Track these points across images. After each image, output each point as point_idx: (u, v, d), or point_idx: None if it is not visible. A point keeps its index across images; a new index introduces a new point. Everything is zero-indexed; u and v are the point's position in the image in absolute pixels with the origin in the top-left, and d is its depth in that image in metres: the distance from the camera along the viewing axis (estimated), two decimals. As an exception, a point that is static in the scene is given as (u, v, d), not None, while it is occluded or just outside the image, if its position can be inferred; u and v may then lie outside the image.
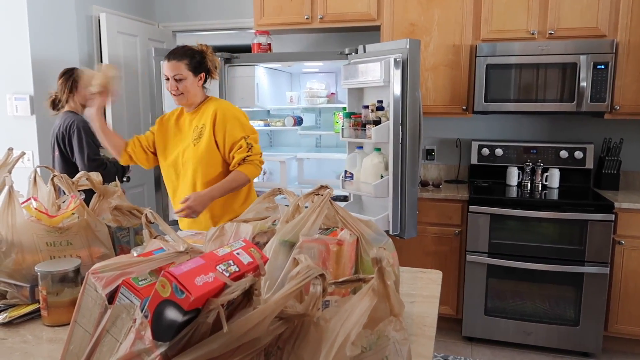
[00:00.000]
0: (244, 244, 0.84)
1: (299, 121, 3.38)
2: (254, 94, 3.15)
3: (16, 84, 3.12)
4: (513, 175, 3.24)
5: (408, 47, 2.52)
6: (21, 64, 3.09)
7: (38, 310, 1.23)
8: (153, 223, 1.20)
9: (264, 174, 3.54)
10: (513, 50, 2.96)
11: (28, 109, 3.11)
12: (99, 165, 2.71)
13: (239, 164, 2.13)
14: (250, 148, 2.13)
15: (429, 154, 3.58)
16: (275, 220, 1.36)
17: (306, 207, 1.12)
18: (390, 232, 2.65)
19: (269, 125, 3.41)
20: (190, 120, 2.22)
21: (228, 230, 1.37)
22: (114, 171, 2.79)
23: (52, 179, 1.50)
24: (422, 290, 1.39)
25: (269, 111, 3.62)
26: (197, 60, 2.14)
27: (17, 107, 3.13)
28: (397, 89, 2.53)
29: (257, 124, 3.42)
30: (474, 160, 3.42)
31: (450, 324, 3.15)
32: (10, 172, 1.76)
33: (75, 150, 2.72)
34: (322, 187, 1.15)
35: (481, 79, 3.04)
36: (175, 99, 2.16)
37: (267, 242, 1.32)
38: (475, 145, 3.41)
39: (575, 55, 2.87)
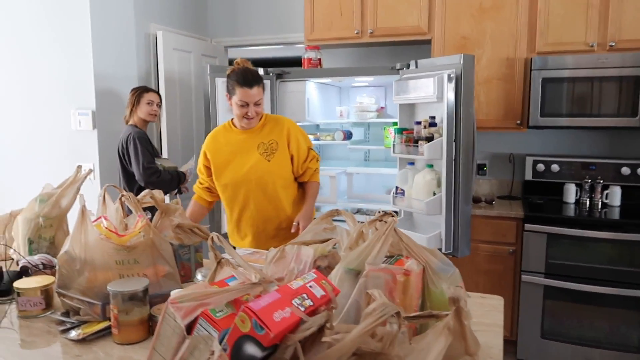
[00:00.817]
0: (315, 276, 0.85)
1: (348, 135, 3.39)
2: (305, 109, 3.18)
3: (80, 99, 3.27)
4: (570, 192, 3.13)
5: (462, 62, 2.48)
6: (84, 80, 3.24)
7: (109, 327, 1.27)
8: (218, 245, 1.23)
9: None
10: (570, 63, 2.87)
11: (90, 124, 3.26)
12: (153, 172, 2.83)
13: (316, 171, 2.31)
14: (315, 160, 2.30)
15: (480, 168, 3.51)
16: (335, 244, 1.36)
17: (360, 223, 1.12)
18: (443, 251, 2.61)
19: (318, 140, 3.43)
20: (249, 137, 2.22)
21: (289, 253, 1.38)
22: (168, 179, 2.91)
23: (120, 198, 1.56)
24: (483, 317, 1.35)
25: (318, 125, 3.65)
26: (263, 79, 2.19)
27: (81, 122, 3.28)
28: (450, 105, 2.50)
29: (306, 138, 3.46)
30: (529, 176, 3.32)
31: (504, 346, 3.05)
32: (79, 189, 1.85)
33: (132, 159, 2.86)
34: (385, 213, 1.15)
35: (536, 93, 2.96)
36: (248, 123, 2.16)
37: (327, 266, 1.33)
38: (529, 161, 3.31)
39: (636, 68, 2.75)
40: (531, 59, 2.97)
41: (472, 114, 2.54)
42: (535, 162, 3.30)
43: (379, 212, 1.22)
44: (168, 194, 3.22)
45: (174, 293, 1.21)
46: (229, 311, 0.80)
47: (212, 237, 1.21)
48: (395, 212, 3.04)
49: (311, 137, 3.42)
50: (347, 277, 1.05)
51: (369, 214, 3.32)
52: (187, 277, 1.70)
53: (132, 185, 2.93)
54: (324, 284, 0.81)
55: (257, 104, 2.13)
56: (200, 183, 2.38)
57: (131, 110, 2.98)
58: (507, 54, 3.07)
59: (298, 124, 3.39)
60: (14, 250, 1.81)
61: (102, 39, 3.26)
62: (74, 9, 3.19)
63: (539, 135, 3.38)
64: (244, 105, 2.11)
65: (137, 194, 2.84)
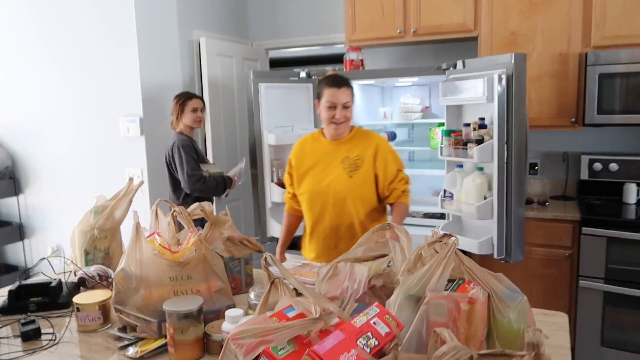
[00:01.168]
0: (378, 310, 0.82)
1: (392, 136, 3.33)
2: (348, 111, 3.14)
3: (127, 106, 3.35)
4: (631, 193, 2.96)
5: (513, 61, 2.38)
6: (132, 88, 3.31)
7: (165, 345, 1.29)
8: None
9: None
10: (630, 57, 2.70)
11: (138, 130, 3.33)
12: (198, 180, 2.87)
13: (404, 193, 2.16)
14: (404, 181, 2.17)
15: (531, 167, 3.37)
16: (390, 262, 1.33)
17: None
18: (495, 256, 2.52)
19: (362, 141, 3.38)
20: (336, 149, 2.15)
21: (342, 271, 1.36)
22: (213, 185, 2.93)
23: (173, 214, 1.58)
24: (549, 339, 1.28)
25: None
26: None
27: (129, 129, 3.36)
28: (501, 106, 2.40)
29: (350, 140, 3.42)
30: (584, 175, 3.17)
31: (558, 352, 2.93)
32: (131, 201, 1.89)
33: (177, 167, 2.90)
34: (445, 235, 1.10)
35: (593, 89, 2.81)
36: (336, 128, 2.09)
37: (383, 285, 1.30)
38: (585, 160, 3.16)
39: None
40: (586, 54, 2.82)
41: (524, 115, 2.43)
42: (591, 161, 3.14)
43: (437, 231, 1.17)
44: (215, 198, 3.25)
45: (230, 312, 1.21)
46: (290, 349, 0.78)
47: (266, 258, 1.20)
48: (443, 214, 2.98)
49: (355, 139, 3.39)
50: (407, 304, 1.01)
51: (414, 216, 3.26)
52: (237, 290, 1.70)
53: (179, 192, 2.97)
54: (387, 319, 0.78)
55: (345, 107, 2.05)
56: (288, 192, 2.33)
57: (177, 117, 3.02)
58: (560, 49, 2.93)
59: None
60: (72, 261, 1.86)
61: (148, 47, 3.31)
62: (120, 20, 3.26)
63: (594, 132, 3.22)
64: (332, 106, 2.04)
65: (184, 201, 2.89)
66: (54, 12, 3.52)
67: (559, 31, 2.92)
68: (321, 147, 2.18)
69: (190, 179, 2.86)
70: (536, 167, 3.37)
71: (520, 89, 2.40)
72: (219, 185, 2.97)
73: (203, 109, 3.08)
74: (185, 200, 2.93)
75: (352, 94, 2.10)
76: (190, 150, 2.92)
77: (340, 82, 2.06)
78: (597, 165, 3.12)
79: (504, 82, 2.39)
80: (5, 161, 3.84)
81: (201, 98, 3.10)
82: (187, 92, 3.12)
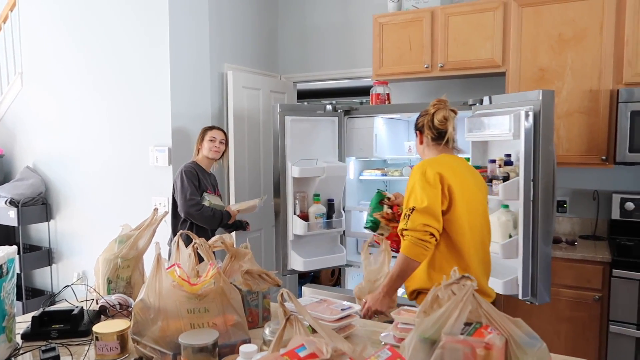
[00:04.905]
0: (390, 354, 0.80)
1: (417, 171, 3.30)
2: (373, 145, 3.15)
3: (157, 136, 3.45)
4: (665, 235, 2.85)
5: (541, 98, 2.36)
6: (162, 118, 3.41)
7: (179, 378, 1.28)
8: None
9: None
10: (662, 94, 2.66)
11: (166, 160, 3.41)
12: (194, 205, 2.88)
13: (401, 234, 1.90)
14: (407, 220, 1.84)
15: (560, 205, 3.29)
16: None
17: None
18: (520, 297, 2.45)
19: (385, 175, 3.38)
20: None
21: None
22: (209, 215, 2.91)
23: (194, 246, 1.60)
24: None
25: (385, 160, 3.60)
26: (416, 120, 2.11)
27: (158, 158, 3.44)
28: (528, 143, 2.37)
29: (373, 173, 3.41)
30: (615, 214, 3.07)
31: (589, 401, 2.80)
32: (155, 231, 1.92)
33: (177, 190, 2.94)
34: (463, 277, 1.08)
35: (624, 127, 2.75)
36: None
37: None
38: (616, 198, 3.07)
39: None
40: (617, 90, 2.78)
41: (552, 152, 2.40)
42: (623, 200, 3.05)
43: (455, 272, 1.15)
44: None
45: (244, 348, 1.20)
46: (300, 390, 0.77)
47: (282, 294, 1.20)
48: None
49: (378, 172, 3.40)
50: (421, 347, 0.99)
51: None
52: (254, 324, 1.69)
53: (177, 217, 3.00)
54: (399, 364, 0.76)
55: None
56: None
57: (197, 147, 3.09)
58: (590, 85, 2.89)
59: (365, 159, 3.40)
60: (94, 289, 1.89)
61: (179, 81, 3.42)
62: (155, 51, 3.39)
63: (626, 170, 3.13)
64: None
65: (181, 227, 2.91)
66: (92, 41, 3.69)
67: (589, 68, 2.89)
68: None
69: (187, 202, 2.88)
70: (565, 205, 3.29)
71: (548, 126, 2.37)
72: (214, 217, 2.94)
73: (223, 140, 3.08)
74: (182, 226, 2.95)
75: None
76: (193, 176, 2.94)
77: None
78: (630, 205, 3.02)
79: (531, 118, 2.37)
80: (39, 187, 3.98)
81: (222, 130, 3.13)
82: (213, 125, 3.19)
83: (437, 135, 2.03)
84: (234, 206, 3.12)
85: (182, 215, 2.94)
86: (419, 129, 2.09)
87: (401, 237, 1.89)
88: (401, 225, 1.89)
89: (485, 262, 2.04)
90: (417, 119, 2.11)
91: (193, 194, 2.90)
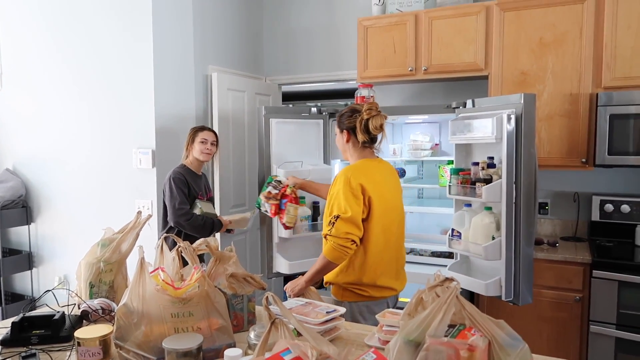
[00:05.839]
0: (375, 357, 0.80)
1: (401, 173, 3.33)
2: (358, 147, 3.16)
3: (141, 138, 3.41)
4: (644, 236, 2.91)
5: (522, 102, 2.39)
6: (146, 120, 3.38)
7: (163, 383, 1.27)
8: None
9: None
10: (639, 98, 2.71)
11: (150, 162, 3.37)
12: (183, 214, 2.81)
13: (324, 237, 2.06)
14: (331, 227, 2.01)
15: (541, 207, 3.34)
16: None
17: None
18: (503, 298, 2.48)
19: (371, 177, 3.39)
20: None
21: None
22: (199, 224, 2.84)
23: (178, 249, 1.58)
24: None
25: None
26: (342, 118, 2.18)
27: (141, 160, 3.41)
28: (510, 146, 2.40)
29: (359, 176, 3.42)
30: (595, 216, 3.13)
31: (570, 400, 2.84)
32: (138, 234, 1.90)
33: (167, 198, 2.87)
34: (447, 279, 1.09)
35: (603, 130, 2.81)
36: None
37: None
38: (596, 200, 3.13)
39: None
40: (597, 94, 2.83)
41: (533, 155, 2.43)
42: (602, 202, 3.11)
43: (439, 274, 1.16)
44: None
45: (229, 352, 1.20)
46: (284, 394, 0.77)
47: (267, 297, 1.20)
48: (452, 253, 2.95)
49: (364, 174, 3.40)
50: (406, 349, 1.00)
51: (422, 254, 3.23)
52: (239, 327, 1.68)
53: (167, 223, 2.93)
54: (384, 367, 0.77)
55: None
56: None
57: (187, 149, 3.00)
58: (571, 89, 2.94)
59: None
60: (76, 294, 1.86)
61: (163, 81, 3.39)
62: (138, 53, 3.35)
63: (606, 173, 3.19)
64: None
65: (170, 232, 2.84)
66: (73, 41, 3.64)
67: (569, 71, 2.94)
68: None
69: (176, 212, 2.81)
70: (546, 207, 3.34)
71: (530, 128, 2.41)
72: (205, 226, 2.87)
73: (214, 142, 3.02)
74: (171, 232, 2.86)
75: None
76: (182, 183, 2.86)
77: None
78: (609, 207, 3.08)
79: (513, 121, 2.40)
80: (19, 190, 3.91)
81: (214, 131, 3.08)
82: (202, 125, 3.13)
83: (370, 140, 2.15)
84: (227, 217, 3.07)
85: (172, 224, 2.86)
86: (347, 128, 2.16)
87: (324, 239, 2.06)
88: (325, 230, 2.05)
89: (398, 257, 2.24)
90: (343, 117, 2.18)
91: (182, 203, 2.83)
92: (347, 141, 2.18)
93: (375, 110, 2.13)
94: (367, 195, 2.05)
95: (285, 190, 2.72)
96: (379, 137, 2.18)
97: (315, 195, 2.78)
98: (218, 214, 3.17)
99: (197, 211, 2.87)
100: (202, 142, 2.96)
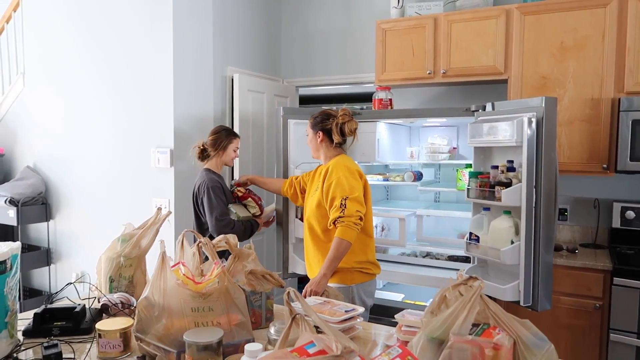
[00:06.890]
0: (400, 351, 0.80)
1: (418, 177, 3.32)
2: (375, 150, 3.15)
3: (159, 138, 3.44)
4: (666, 244, 2.86)
5: (543, 105, 2.37)
6: (165, 120, 3.41)
7: (182, 376, 1.28)
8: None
9: (382, 230, 3.50)
10: (663, 103, 2.67)
11: (168, 161, 3.40)
12: (226, 225, 2.71)
13: (334, 224, 2.26)
14: (343, 209, 2.22)
15: (561, 213, 3.30)
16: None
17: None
18: (521, 303, 2.45)
19: (387, 180, 3.38)
20: (320, 173, 2.49)
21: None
22: (241, 230, 2.77)
23: (198, 245, 1.59)
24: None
25: (387, 165, 3.61)
26: (317, 120, 2.49)
27: (159, 160, 3.44)
28: (530, 150, 2.38)
29: (375, 178, 3.41)
30: (616, 223, 3.08)
31: (588, 409, 2.79)
32: (158, 230, 1.92)
33: (206, 210, 2.75)
34: (471, 277, 1.08)
35: (625, 135, 2.77)
36: None
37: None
38: (617, 207, 3.08)
39: None
40: (619, 99, 2.79)
41: (554, 159, 2.40)
42: (623, 209, 3.06)
43: (462, 274, 1.15)
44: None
45: (249, 347, 1.20)
46: (310, 386, 0.77)
47: (288, 292, 1.20)
48: (468, 257, 2.93)
49: (380, 177, 3.40)
50: (429, 347, 0.99)
51: (439, 258, 3.21)
52: (257, 324, 1.69)
53: (203, 233, 2.83)
54: (410, 360, 0.76)
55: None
56: (294, 181, 2.76)
57: (215, 152, 2.85)
58: (592, 94, 2.91)
59: (368, 164, 3.40)
60: (96, 287, 1.88)
61: (183, 82, 3.43)
62: (158, 54, 3.39)
63: (627, 179, 3.15)
64: None
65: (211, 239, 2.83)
66: (95, 43, 3.70)
67: (591, 76, 2.90)
68: (317, 170, 2.63)
69: (219, 223, 2.72)
70: (566, 213, 3.30)
71: (551, 133, 2.38)
72: (246, 230, 2.82)
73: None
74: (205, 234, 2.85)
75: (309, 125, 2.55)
76: (220, 192, 2.77)
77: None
78: (630, 214, 3.03)
79: (533, 125, 2.38)
80: (39, 187, 3.97)
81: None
82: (229, 128, 3.01)
83: (343, 141, 2.50)
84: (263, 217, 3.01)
85: (215, 235, 2.69)
86: (324, 129, 2.46)
87: (334, 226, 2.26)
88: (335, 214, 2.24)
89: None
90: (319, 119, 2.49)
91: (223, 213, 2.74)
92: (322, 142, 2.47)
93: (349, 115, 2.47)
94: (364, 179, 2.40)
95: (237, 194, 2.88)
96: (349, 140, 2.51)
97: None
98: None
99: (233, 217, 2.79)
100: (236, 150, 2.90)
